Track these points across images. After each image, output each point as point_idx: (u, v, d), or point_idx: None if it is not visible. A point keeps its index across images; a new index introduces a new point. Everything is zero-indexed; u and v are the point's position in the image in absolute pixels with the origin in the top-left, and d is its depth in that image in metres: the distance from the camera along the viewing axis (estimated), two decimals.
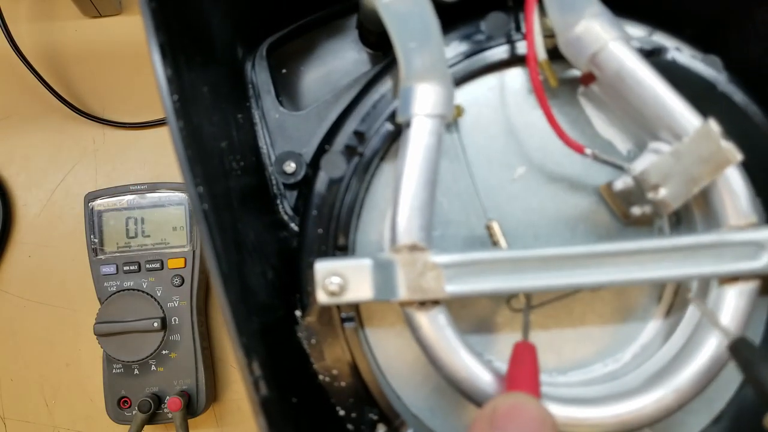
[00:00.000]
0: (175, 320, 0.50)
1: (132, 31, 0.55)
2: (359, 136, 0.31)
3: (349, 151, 0.31)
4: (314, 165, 0.34)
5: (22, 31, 0.54)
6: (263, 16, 0.37)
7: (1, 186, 0.54)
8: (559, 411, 0.28)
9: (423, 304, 0.28)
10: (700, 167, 0.27)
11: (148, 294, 0.50)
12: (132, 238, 0.51)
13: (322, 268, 0.28)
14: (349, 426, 0.31)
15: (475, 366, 0.27)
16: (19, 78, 0.54)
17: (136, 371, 0.50)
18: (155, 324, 0.49)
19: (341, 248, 0.31)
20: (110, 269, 0.50)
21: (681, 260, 0.28)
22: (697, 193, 0.28)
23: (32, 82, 0.52)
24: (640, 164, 0.29)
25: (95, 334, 0.49)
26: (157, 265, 0.50)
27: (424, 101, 0.28)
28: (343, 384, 0.31)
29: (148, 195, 0.51)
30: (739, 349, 0.27)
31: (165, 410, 0.49)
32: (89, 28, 0.55)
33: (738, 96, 0.31)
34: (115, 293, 0.50)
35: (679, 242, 0.28)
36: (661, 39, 0.32)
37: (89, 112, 0.54)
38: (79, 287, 0.53)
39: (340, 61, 0.40)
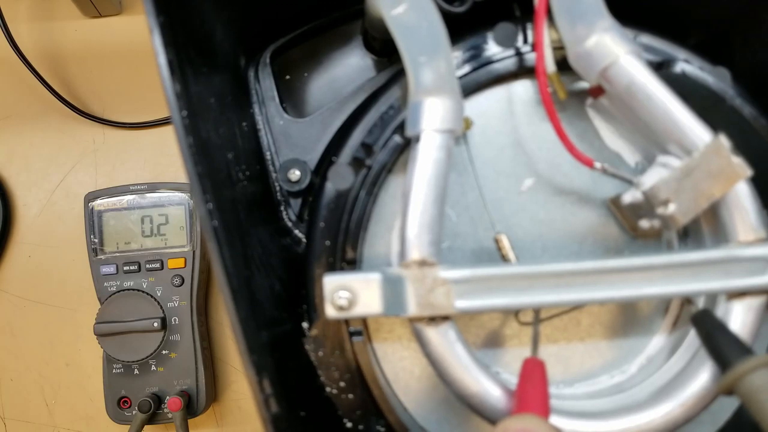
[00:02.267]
0: (175, 320, 0.50)
1: (132, 31, 0.55)
2: (367, 148, 0.31)
3: (357, 163, 0.31)
4: (318, 173, 0.34)
5: (22, 31, 0.54)
6: (266, 23, 0.37)
7: (1, 186, 0.53)
8: (566, 425, 0.28)
9: (432, 320, 0.28)
10: (709, 182, 0.27)
11: (148, 294, 0.50)
12: (132, 238, 0.51)
13: (331, 282, 0.28)
14: None
15: (485, 381, 0.27)
16: (19, 78, 0.53)
17: (136, 371, 0.50)
18: (155, 324, 0.49)
19: (350, 262, 0.31)
20: (110, 269, 0.50)
21: (690, 276, 0.28)
22: (706, 208, 0.28)
23: (32, 82, 0.52)
24: (649, 179, 0.29)
25: (95, 334, 0.49)
26: (157, 265, 0.50)
27: (434, 116, 0.28)
28: (350, 396, 0.31)
29: (148, 195, 0.51)
30: (700, 320, 0.28)
31: (165, 410, 0.49)
32: (89, 28, 0.55)
33: (746, 109, 0.31)
34: (115, 293, 0.50)
35: (687, 258, 0.28)
36: (658, 44, 0.32)
37: (89, 112, 0.54)
38: (79, 287, 0.53)
39: (344, 67, 0.39)
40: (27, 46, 0.52)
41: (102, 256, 0.50)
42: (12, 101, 0.55)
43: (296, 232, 0.35)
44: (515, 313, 0.32)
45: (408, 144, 0.30)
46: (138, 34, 0.55)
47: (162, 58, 0.25)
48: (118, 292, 0.50)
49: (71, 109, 0.53)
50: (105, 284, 0.50)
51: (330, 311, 0.28)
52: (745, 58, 0.34)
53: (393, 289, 0.27)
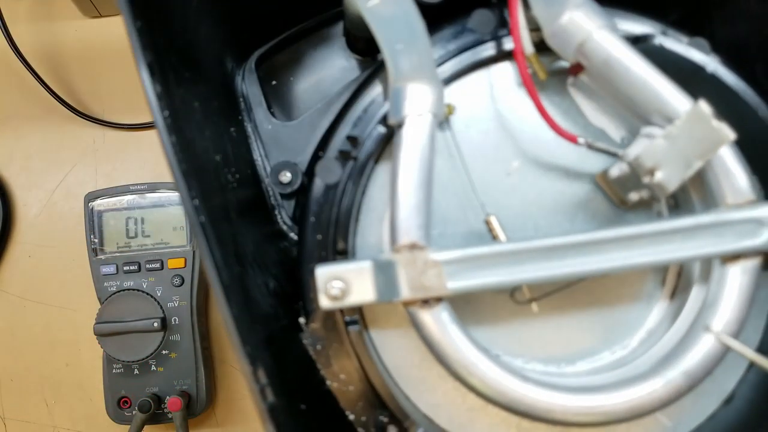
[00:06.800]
0: (175, 320, 0.50)
1: None
2: (352, 140, 0.31)
3: (344, 156, 0.31)
4: (310, 173, 0.34)
5: (22, 31, 0.54)
6: (250, 29, 0.38)
7: (1, 186, 0.54)
8: (568, 401, 0.28)
9: (426, 303, 0.28)
10: (694, 148, 0.27)
11: (148, 294, 0.50)
12: (132, 238, 0.51)
13: (323, 272, 0.28)
14: (360, 430, 0.31)
15: (484, 360, 0.27)
16: (19, 78, 0.54)
17: (136, 371, 0.50)
18: (155, 324, 0.49)
19: (341, 252, 0.31)
20: (110, 269, 0.50)
21: (683, 242, 0.28)
22: (693, 175, 0.28)
23: (32, 82, 0.52)
24: (634, 150, 0.29)
25: (95, 334, 0.49)
26: (157, 265, 0.50)
27: (415, 101, 0.28)
28: (351, 388, 0.31)
29: (148, 195, 0.51)
30: None
31: (165, 410, 0.49)
32: (89, 28, 0.55)
33: (728, 76, 0.31)
34: (115, 293, 0.50)
35: (679, 224, 0.28)
36: (645, 27, 0.32)
37: (89, 113, 0.54)
38: (79, 287, 0.53)
39: (329, 69, 0.40)
40: (27, 46, 0.52)
41: (102, 256, 0.51)
42: (12, 102, 0.55)
43: (291, 235, 0.35)
44: (510, 293, 0.31)
45: (393, 134, 0.30)
46: None
47: (141, 60, 0.25)
48: (118, 292, 0.50)
49: (71, 110, 0.53)
50: (105, 284, 0.50)
51: (324, 302, 0.28)
52: (726, 31, 0.34)
53: (385, 275, 0.27)
